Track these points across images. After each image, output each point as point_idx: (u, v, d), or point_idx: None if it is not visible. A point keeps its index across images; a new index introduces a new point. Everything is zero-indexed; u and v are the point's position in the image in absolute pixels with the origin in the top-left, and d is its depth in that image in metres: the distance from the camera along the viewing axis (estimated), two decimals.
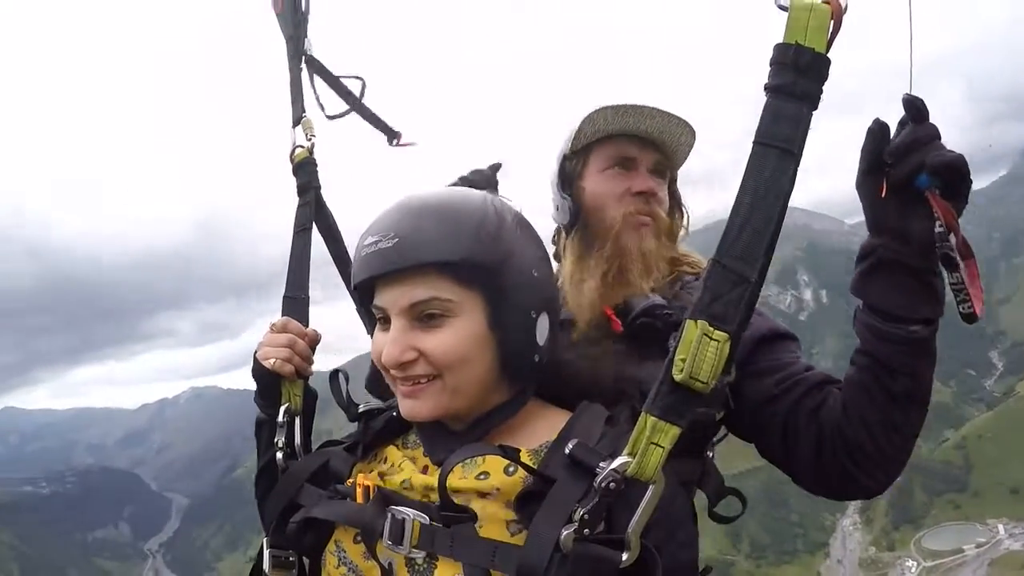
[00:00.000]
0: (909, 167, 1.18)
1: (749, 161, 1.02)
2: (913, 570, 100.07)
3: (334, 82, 1.98)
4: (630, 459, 1.00)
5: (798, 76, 1.02)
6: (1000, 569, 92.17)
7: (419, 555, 1.13)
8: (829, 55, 1.03)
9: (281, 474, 1.47)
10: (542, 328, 1.25)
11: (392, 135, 2.05)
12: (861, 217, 1.36)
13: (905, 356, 1.31)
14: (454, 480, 1.13)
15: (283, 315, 1.64)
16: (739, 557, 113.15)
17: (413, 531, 1.11)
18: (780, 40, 1.04)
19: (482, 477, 1.15)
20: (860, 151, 1.25)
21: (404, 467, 1.26)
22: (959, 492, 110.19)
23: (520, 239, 1.24)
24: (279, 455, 1.50)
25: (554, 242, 1.94)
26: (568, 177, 1.83)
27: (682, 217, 1.93)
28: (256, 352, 1.55)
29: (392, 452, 1.33)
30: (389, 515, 1.14)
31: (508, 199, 1.32)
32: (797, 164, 1.02)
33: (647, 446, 0.99)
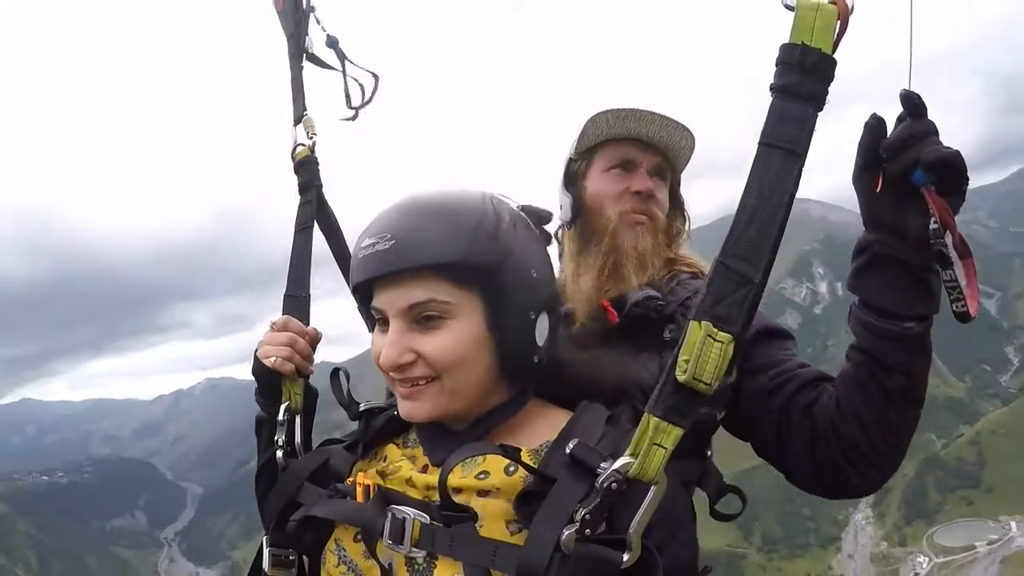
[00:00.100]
0: (904, 162, 1.17)
1: (754, 161, 1.02)
2: (924, 566, 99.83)
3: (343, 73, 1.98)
4: (632, 460, 0.99)
5: (804, 77, 1.02)
6: (1012, 567, 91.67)
7: (419, 554, 1.13)
8: (836, 56, 1.03)
9: (281, 472, 1.47)
10: (541, 328, 1.25)
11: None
12: None
13: (900, 353, 1.31)
14: (454, 479, 1.13)
15: (284, 313, 1.64)
16: (751, 550, 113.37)
17: (413, 530, 1.12)
18: (786, 40, 1.03)
19: (482, 476, 1.15)
20: (857, 145, 1.25)
21: (403, 466, 1.26)
22: (972, 488, 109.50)
23: (519, 239, 1.23)
24: (279, 453, 1.50)
25: (558, 240, 1.96)
26: (572, 177, 1.89)
27: (683, 220, 1.96)
28: (256, 350, 1.55)
29: (392, 451, 1.34)
30: (389, 514, 1.14)
31: (507, 198, 1.31)
32: (802, 165, 1.02)
33: (649, 447, 0.99)
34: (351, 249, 1.32)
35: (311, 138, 1.86)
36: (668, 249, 1.87)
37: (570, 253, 1.87)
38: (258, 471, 1.56)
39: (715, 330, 0.99)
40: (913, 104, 1.17)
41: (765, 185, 1.01)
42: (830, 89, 1.03)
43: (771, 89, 1.03)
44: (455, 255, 1.15)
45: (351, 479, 1.29)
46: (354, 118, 2.02)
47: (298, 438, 1.54)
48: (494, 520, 1.11)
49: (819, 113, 1.02)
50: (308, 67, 1.94)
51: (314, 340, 1.62)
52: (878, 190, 1.24)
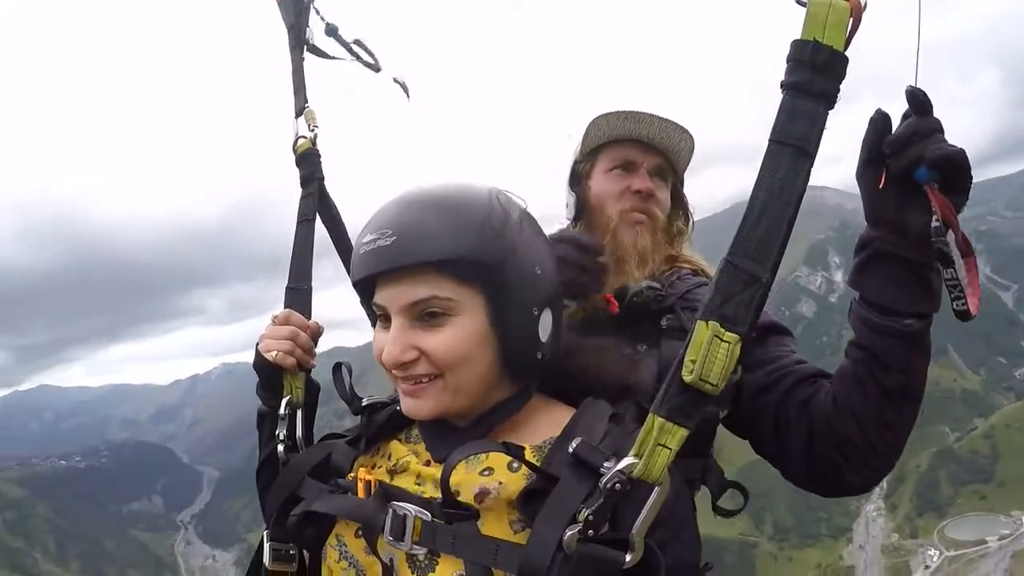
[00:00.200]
0: (907, 159, 1.16)
1: (764, 159, 1.01)
2: (935, 559, 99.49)
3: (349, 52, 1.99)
4: (636, 460, 0.98)
5: (815, 74, 1.00)
6: (1023, 562, 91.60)
7: (420, 551, 1.12)
8: (847, 53, 1.01)
9: (282, 467, 1.46)
10: (545, 324, 1.23)
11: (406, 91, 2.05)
12: None
13: (899, 350, 1.30)
14: (457, 476, 1.12)
15: (285, 306, 1.64)
16: (762, 539, 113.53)
17: (414, 527, 1.11)
18: (798, 36, 1.02)
19: (485, 473, 1.14)
20: (861, 141, 1.23)
21: (410, 462, 1.26)
22: (985, 482, 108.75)
23: (524, 235, 1.22)
24: (280, 447, 1.50)
25: None
26: (577, 177, 1.99)
27: (685, 219, 2.03)
28: (258, 344, 1.55)
29: (395, 446, 1.33)
30: (390, 511, 1.13)
31: (515, 195, 1.29)
32: (812, 163, 1.01)
33: (654, 447, 0.98)
34: (353, 243, 1.31)
35: (313, 131, 1.85)
36: (669, 247, 1.91)
37: None
38: (259, 465, 1.56)
39: (722, 330, 0.98)
40: (919, 101, 1.15)
41: (775, 183, 1.00)
42: (840, 87, 1.02)
43: (782, 86, 1.03)
44: (459, 252, 1.13)
45: (352, 474, 1.29)
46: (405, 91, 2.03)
47: (299, 432, 1.54)
48: (496, 518, 1.10)
49: (830, 111, 1.02)
50: (310, 59, 1.94)
51: (316, 334, 1.61)
52: (881, 186, 1.23)
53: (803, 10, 1.02)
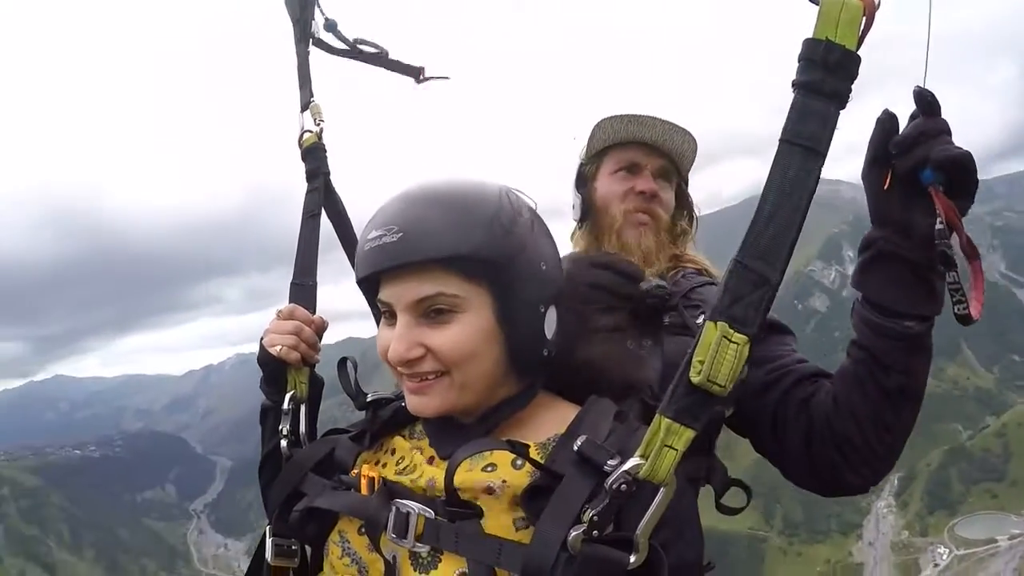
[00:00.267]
0: (913, 160, 1.16)
1: (775, 159, 1.01)
2: (944, 557, 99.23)
3: (350, 51, 1.98)
4: (643, 461, 0.98)
5: (827, 74, 0.99)
6: None
7: (423, 549, 1.12)
8: (860, 53, 1.00)
9: (285, 462, 1.46)
10: (550, 321, 1.23)
11: (415, 73, 2.04)
12: None
13: (900, 352, 1.30)
14: (460, 474, 1.12)
15: (290, 301, 1.64)
16: (772, 534, 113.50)
17: (417, 525, 1.11)
18: (810, 35, 1.01)
19: (489, 469, 1.14)
20: (868, 140, 1.23)
21: (415, 459, 1.26)
22: (997, 481, 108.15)
23: (533, 233, 1.22)
24: (283, 443, 1.49)
25: (571, 239, 2.10)
26: (583, 179, 2.04)
27: (690, 220, 2.08)
28: (262, 339, 1.55)
29: (399, 443, 1.33)
30: (393, 508, 1.13)
31: (524, 194, 1.29)
32: (823, 163, 1.00)
33: (661, 448, 0.97)
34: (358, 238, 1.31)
35: (318, 125, 1.84)
36: (673, 247, 1.96)
37: (581, 250, 1.98)
38: (262, 461, 1.56)
39: (731, 331, 0.97)
40: (926, 101, 1.15)
41: (786, 183, 0.99)
42: (852, 87, 1.01)
43: (793, 85, 1.02)
44: (467, 248, 1.12)
45: (355, 471, 1.29)
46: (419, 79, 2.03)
47: (303, 427, 1.54)
48: (499, 516, 1.10)
49: (841, 110, 1.01)
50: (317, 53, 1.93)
51: (320, 329, 1.60)
52: (886, 187, 1.22)
53: (815, 8, 1.01)
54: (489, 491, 1.11)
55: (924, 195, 1.18)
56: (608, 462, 1.02)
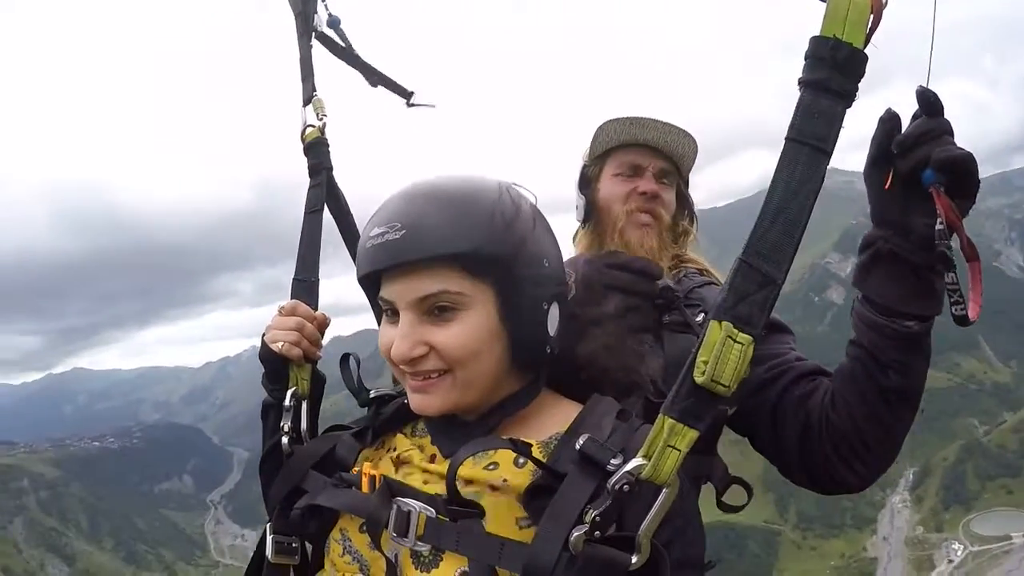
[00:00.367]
0: (914, 160, 1.15)
1: (781, 157, 1.00)
2: (959, 553, 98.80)
3: (349, 55, 1.98)
4: (645, 462, 0.97)
5: (834, 72, 0.99)
6: None
7: (424, 548, 1.11)
8: (867, 51, 1.00)
9: (286, 459, 1.45)
10: (553, 318, 1.23)
11: (406, 95, 2.07)
12: None
13: (898, 351, 1.30)
14: (462, 472, 1.11)
15: (292, 298, 1.63)
16: (786, 527, 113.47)
17: (418, 524, 1.10)
18: (817, 33, 1.00)
19: (491, 467, 1.14)
20: (870, 140, 1.22)
21: (415, 456, 1.25)
22: (1012, 477, 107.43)
23: (534, 230, 1.21)
24: (284, 439, 1.48)
25: (574, 241, 2.14)
26: (586, 180, 2.08)
27: (691, 220, 2.12)
28: (264, 335, 1.54)
29: (400, 440, 1.32)
30: (395, 506, 1.12)
31: (525, 189, 1.27)
32: (828, 162, 1.00)
33: (663, 449, 0.96)
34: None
35: (321, 119, 1.83)
36: (674, 247, 2.00)
37: (582, 249, 2.03)
38: (263, 457, 1.54)
39: (735, 331, 0.96)
40: (929, 102, 1.14)
41: (792, 182, 0.98)
42: (859, 86, 1.00)
43: (800, 83, 1.01)
44: (470, 246, 1.11)
45: (357, 468, 1.28)
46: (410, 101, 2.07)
47: (304, 424, 1.53)
48: (501, 515, 1.09)
49: (848, 109, 1.00)
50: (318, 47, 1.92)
51: (322, 325, 1.60)
52: (888, 186, 1.22)
53: (823, 6, 1.00)
54: (491, 489, 1.11)
55: (925, 196, 1.17)
56: (611, 461, 1.01)
